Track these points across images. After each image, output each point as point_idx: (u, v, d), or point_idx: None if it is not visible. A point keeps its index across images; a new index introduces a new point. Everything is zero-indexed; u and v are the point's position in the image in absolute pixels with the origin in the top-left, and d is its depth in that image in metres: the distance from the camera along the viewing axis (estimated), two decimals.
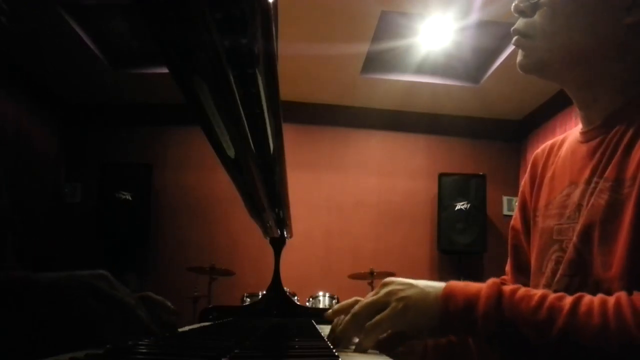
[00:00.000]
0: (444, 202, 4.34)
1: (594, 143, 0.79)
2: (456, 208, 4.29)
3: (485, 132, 4.68)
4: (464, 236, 4.25)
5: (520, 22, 0.82)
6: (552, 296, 0.60)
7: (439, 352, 0.89)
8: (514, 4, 0.83)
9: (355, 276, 3.75)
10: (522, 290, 0.62)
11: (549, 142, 0.95)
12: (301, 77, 3.99)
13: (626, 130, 0.74)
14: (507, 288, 0.63)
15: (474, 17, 3.18)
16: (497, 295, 0.62)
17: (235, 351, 0.60)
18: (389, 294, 0.70)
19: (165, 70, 0.68)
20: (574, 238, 0.76)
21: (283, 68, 0.81)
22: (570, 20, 0.77)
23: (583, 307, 0.57)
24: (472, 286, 0.65)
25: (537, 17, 0.80)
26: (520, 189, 0.98)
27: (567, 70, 0.80)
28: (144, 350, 0.60)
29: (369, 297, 0.73)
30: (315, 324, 1.29)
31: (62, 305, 0.64)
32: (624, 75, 0.77)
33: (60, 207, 4.37)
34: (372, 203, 4.54)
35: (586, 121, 0.83)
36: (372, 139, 4.68)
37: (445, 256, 4.42)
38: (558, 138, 0.94)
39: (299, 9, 3.12)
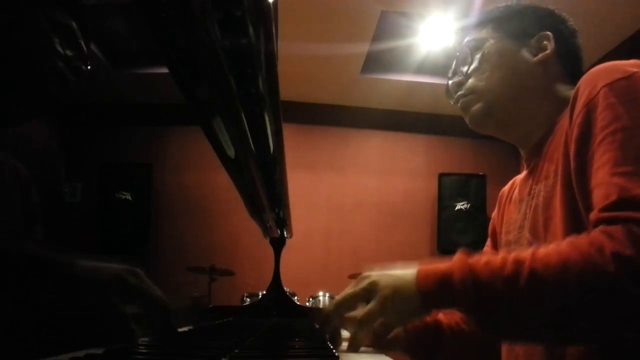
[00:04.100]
0: (444, 202, 4.33)
1: (531, 167, 0.95)
2: (456, 208, 4.29)
3: None
4: (464, 236, 4.25)
5: (459, 92, 0.98)
6: (512, 254, 0.66)
7: (417, 333, 0.98)
8: (449, 85, 1.00)
9: (355, 276, 3.66)
10: (485, 256, 0.69)
11: (513, 179, 1.10)
12: (301, 77, 3.99)
13: (549, 146, 0.88)
14: (472, 259, 0.70)
15: (474, 17, 3.17)
16: (467, 265, 0.68)
17: (235, 351, 0.60)
18: (371, 285, 0.74)
19: (165, 70, 0.68)
20: (527, 234, 0.87)
21: (283, 68, 0.81)
22: (494, 72, 0.93)
23: (541, 251, 0.64)
24: (441, 265, 0.73)
25: (470, 79, 0.96)
26: (491, 220, 1.13)
27: (504, 114, 0.94)
28: (143, 350, 0.60)
29: (349, 289, 0.78)
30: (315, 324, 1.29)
31: (89, 294, 0.65)
32: (546, 109, 0.91)
33: (60, 207, 4.36)
34: (372, 203, 4.54)
35: (525, 155, 0.98)
36: (372, 139, 4.67)
37: (446, 256, 4.41)
38: (521, 174, 1.06)
39: (299, 9, 3.12)
